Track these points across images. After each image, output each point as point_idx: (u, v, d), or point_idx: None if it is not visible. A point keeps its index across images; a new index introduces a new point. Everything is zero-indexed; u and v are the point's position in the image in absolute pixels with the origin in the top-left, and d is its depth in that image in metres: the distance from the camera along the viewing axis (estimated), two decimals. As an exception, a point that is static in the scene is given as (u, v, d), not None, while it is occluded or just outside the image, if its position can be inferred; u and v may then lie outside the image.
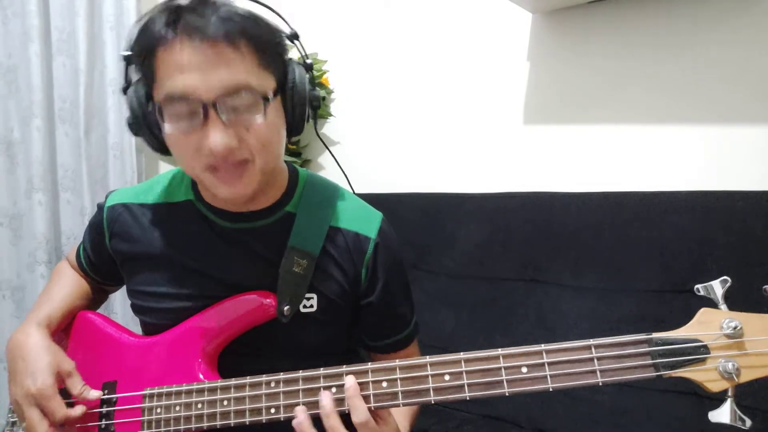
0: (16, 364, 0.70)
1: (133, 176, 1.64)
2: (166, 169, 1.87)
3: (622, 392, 0.97)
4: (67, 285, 0.85)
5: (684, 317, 0.99)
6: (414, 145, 1.52)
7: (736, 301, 0.54)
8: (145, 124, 0.66)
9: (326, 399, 0.60)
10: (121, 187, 0.85)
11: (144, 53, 0.62)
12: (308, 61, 0.70)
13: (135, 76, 0.67)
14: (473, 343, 1.15)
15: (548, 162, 1.29)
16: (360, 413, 0.59)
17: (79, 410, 0.69)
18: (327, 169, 1.69)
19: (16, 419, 0.78)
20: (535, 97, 1.31)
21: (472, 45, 1.40)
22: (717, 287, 0.52)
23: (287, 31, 0.70)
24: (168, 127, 0.62)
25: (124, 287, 0.86)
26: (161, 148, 0.69)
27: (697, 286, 0.53)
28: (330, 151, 0.89)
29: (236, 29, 0.59)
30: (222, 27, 0.59)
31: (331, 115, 1.65)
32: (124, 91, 0.67)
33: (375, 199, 0.91)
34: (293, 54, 0.71)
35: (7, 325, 1.48)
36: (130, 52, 0.65)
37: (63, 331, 0.80)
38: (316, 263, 0.72)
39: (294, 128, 0.70)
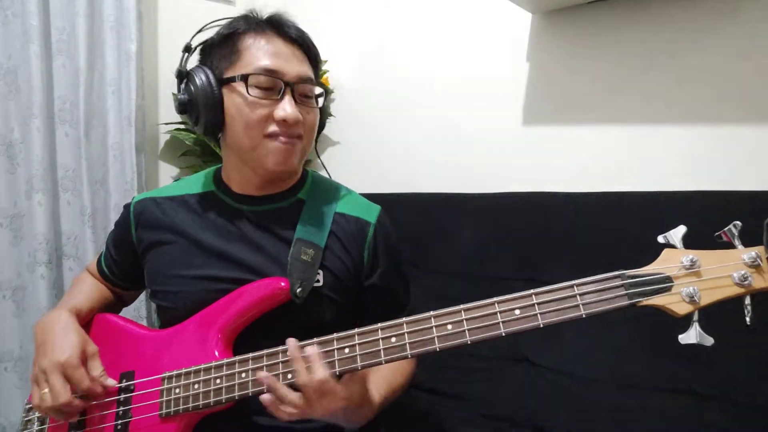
0: (45, 338, 0.76)
1: (133, 176, 1.64)
2: (166, 169, 1.87)
3: (621, 392, 0.98)
4: (89, 286, 0.93)
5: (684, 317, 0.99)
6: (414, 145, 1.52)
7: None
8: (204, 102, 0.76)
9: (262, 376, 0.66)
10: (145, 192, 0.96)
11: (233, 39, 0.77)
12: (328, 87, 0.89)
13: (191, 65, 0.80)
14: (474, 344, 1.15)
15: (548, 162, 1.29)
16: (301, 375, 0.64)
17: (100, 388, 0.74)
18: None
19: (31, 417, 0.81)
20: (534, 97, 1.31)
21: (472, 45, 1.40)
22: (677, 233, 0.61)
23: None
24: (251, 92, 0.74)
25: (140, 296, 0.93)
26: (214, 125, 0.78)
27: (658, 237, 0.61)
28: (325, 168, 1.00)
29: (307, 40, 0.81)
30: (300, 34, 0.79)
31: (331, 115, 1.65)
32: (179, 75, 0.79)
33: (375, 199, 0.91)
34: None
35: (8, 325, 1.48)
36: (191, 43, 0.80)
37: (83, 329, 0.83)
38: (323, 250, 0.80)
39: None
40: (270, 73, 0.75)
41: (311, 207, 0.84)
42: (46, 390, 0.71)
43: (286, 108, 0.74)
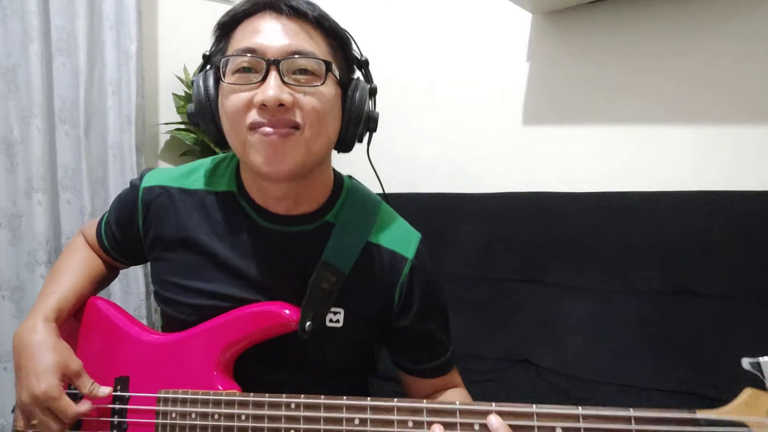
0: (22, 364, 0.69)
1: (133, 176, 1.64)
2: (166, 169, 1.87)
3: (622, 392, 0.97)
4: (79, 268, 0.81)
5: (685, 319, 0.99)
6: (414, 145, 1.52)
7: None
8: (209, 108, 0.66)
9: (497, 422, 0.54)
10: (158, 167, 0.82)
11: (227, 28, 0.66)
12: (373, 85, 0.72)
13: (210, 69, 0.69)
14: (474, 344, 1.15)
15: (548, 162, 1.29)
16: None
17: (86, 406, 0.69)
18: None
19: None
20: (534, 97, 1.31)
21: (472, 45, 1.40)
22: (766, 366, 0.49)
23: (359, 55, 0.72)
24: (228, 78, 0.62)
25: (124, 281, 0.83)
26: (214, 132, 0.67)
27: (745, 360, 0.50)
28: (376, 173, 0.82)
29: (317, 13, 0.64)
30: (306, 6, 0.63)
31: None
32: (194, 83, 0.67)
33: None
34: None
35: (7, 325, 1.47)
36: (208, 51, 0.69)
37: (74, 316, 0.78)
38: (345, 279, 0.69)
39: (346, 140, 0.69)
40: (247, 51, 0.61)
41: (341, 233, 0.71)
42: (36, 422, 0.67)
43: (267, 89, 0.59)
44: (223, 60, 0.63)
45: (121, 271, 0.94)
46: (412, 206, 1.37)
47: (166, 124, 1.76)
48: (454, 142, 1.44)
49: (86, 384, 0.69)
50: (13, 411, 0.78)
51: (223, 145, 0.68)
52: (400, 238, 0.75)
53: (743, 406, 0.49)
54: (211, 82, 0.66)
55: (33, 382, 0.66)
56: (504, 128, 1.35)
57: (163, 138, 1.84)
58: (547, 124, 1.30)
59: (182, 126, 1.73)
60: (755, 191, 0.96)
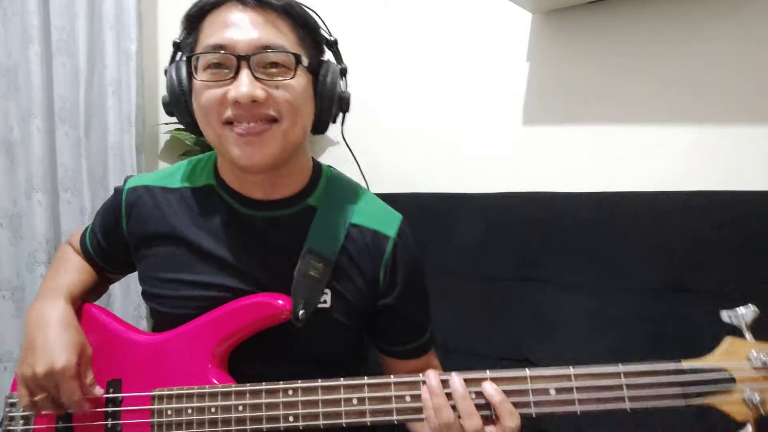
0: (41, 333, 0.68)
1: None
2: (166, 169, 1.87)
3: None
4: (77, 268, 0.82)
5: (682, 317, 0.99)
6: (413, 145, 1.52)
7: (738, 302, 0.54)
8: (183, 99, 0.67)
9: (458, 381, 0.56)
10: (141, 173, 0.85)
11: (195, 20, 0.66)
12: (344, 65, 0.73)
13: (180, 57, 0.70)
14: (470, 341, 1.15)
15: (548, 162, 1.29)
16: (476, 420, 0.55)
17: (87, 405, 0.68)
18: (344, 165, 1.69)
19: (15, 415, 0.75)
20: (534, 97, 1.31)
21: (472, 45, 1.40)
22: (745, 316, 0.53)
23: (326, 36, 0.73)
24: (200, 75, 0.64)
25: (124, 282, 0.82)
26: (189, 123, 0.69)
27: (724, 312, 0.54)
28: (352, 153, 0.88)
29: (283, 2, 0.64)
30: None
31: (331, 115, 1.65)
32: (166, 72, 0.69)
33: (374, 199, 0.91)
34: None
35: (8, 325, 1.48)
36: (179, 39, 0.69)
37: None
38: (333, 265, 0.70)
39: (320, 123, 0.71)
40: (217, 48, 0.62)
41: (323, 216, 0.72)
42: (39, 398, 0.66)
43: (240, 85, 0.60)
44: (194, 57, 0.64)
45: (121, 272, 0.94)
46: (412, 206, 1.37)
47: (166, 124, 1.76)
48: (453, 142, 1.44)
49: (89, 376, 0.69)
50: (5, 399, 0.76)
51: (199, 134, 0.70)
52: (382, 218, 0.76)
53: (724, 353, 0.53)
54: (183, 73, 0.67)
55: (54, 356, 0.65)
56: (504, 128, 1.35)
57: (163, 138, 1.84)
58: (546, 124, 1.30)
59: (182, 126, 1.73)
60: (755, 191, 0.96)
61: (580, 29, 1.22)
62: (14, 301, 1.49)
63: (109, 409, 0.70)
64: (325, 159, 1.70)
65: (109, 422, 0.70)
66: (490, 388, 0.55)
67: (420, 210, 1.36)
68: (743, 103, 1.04)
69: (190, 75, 0.66)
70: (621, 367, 0.54)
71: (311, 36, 0.69)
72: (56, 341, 0.67)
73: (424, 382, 0.58)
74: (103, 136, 1.62)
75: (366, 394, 0.59)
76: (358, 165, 0.93)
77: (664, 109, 1.13)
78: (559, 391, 0.54)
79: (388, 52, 1.56)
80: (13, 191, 1.49)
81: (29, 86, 1.46)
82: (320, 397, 0.61)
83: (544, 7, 1.24)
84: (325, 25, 0.73)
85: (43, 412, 0.70)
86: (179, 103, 0.67)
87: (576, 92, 1.24)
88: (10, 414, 0.75)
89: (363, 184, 0.85)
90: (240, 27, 0.62)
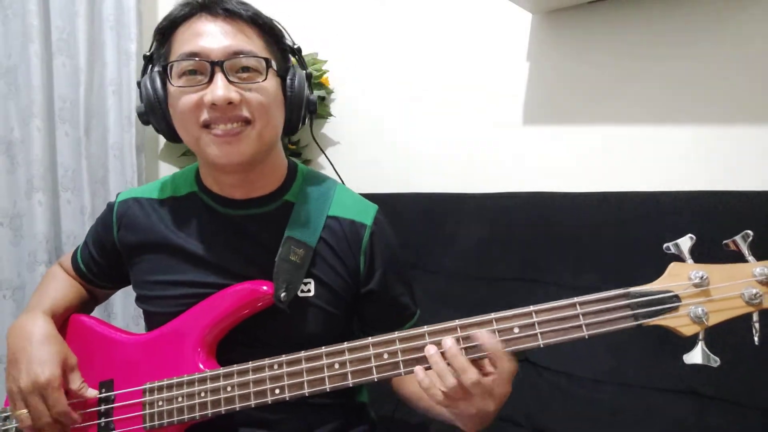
0: (22, 348, 0.70)
1: (133, 176, 1.64)
2: (166, 169, 1.87)
3: (621, 392, 0.97)
4: (65, 286, 0.87)
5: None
6: (414, 145, 1.52)
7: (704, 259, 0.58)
8: (159, 107, 0.71)
9: (450, 341, 0.60)
10: (132, 188, 0.90)
11: (167, 32, 0.71)
12: (308, 71, 0.78)
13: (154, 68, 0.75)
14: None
15: (548, 162, 1.29)
16: (471, 373, 0.58)
17: (75, 415, 0.70)
18: (326, 169, 1.69)
19: (9, 427, 0.78)
20: (534, 97, 1.31)
21: (472, 45, 1.40)
22: (684, 244, 0.58)
23: (290, 44, 0.77)
24: (175, 82, 0.67)
25: (118, 292, 0.86)
26: (165, 130, 0.73)
27: (666, 245, 0.59)
28: (324, 152, 0.93)
29: (250, 12, 0.70)
30: (239, 7, 0.69)
31: (331, 115, 1.65)
32: (140, 84, 0.73)
33: (375, 199, 0.91)
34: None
35: (7, 325, 1.47)
36: (149, 51, 0.73)
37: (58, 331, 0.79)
38: (313, 252, 0.74)
39: (291, 125, 0.75)
40: (191, 56, 0.66)
41: (301, 209, 0.76)
42: (25, 411, 0.68)
43: (216, 89, 0.65)
44: (168, 65, 0.68)
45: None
46: (412, 206, 1.38)
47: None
48: (453, 142, 1.44)
49: (77, 380, 0.72)
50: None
51: (175, 139, 0.73)
52: (358, 209, 0.80)
53: (668, 276, 0.58)
54: (158, 83, 0.70)
55: (36, 369, 0.68)
56: (504, 128, 1.35)
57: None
58: (547, 124, 1.30)
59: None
60: (755, 191, 0.96)
61: (580, 29, 1.22)
62: (14, 301, 1.49)
63: (102, 408, 0.73)
64: (325, 159, 1.70)
65: (102, 420, 0.72)
66: (447, 342, 0.59)
67: (420, 211, 1.36)
68: (743, 103, 1.04)
69: (164, 83, 0.70)
70: (576, 299, 0.59)
71: (277, 43, 0.74)
72: (38, 356, 0.69)
73: (399, 339, 0.62)
74: (104, 136, 1.62)
75: (347, 357, 0.63)
76: (332, 164, 0.99)
77: (664, 109, 1.13)
78: (521, 328, 0.60)
79: (388, 53, 1.56)
80: (14, 191, 1.49)
81: (29, 86, 1.46)
82: (304, 366, 0.64)
83: (544, 7, 1.24)
84: (289, 35, 0.77)
85: None
86: (156, 111, 0.71)
87: (576, 92, 1.24)
88: (4, 428, 0.78)
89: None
90: (212, 35, 0.67)
